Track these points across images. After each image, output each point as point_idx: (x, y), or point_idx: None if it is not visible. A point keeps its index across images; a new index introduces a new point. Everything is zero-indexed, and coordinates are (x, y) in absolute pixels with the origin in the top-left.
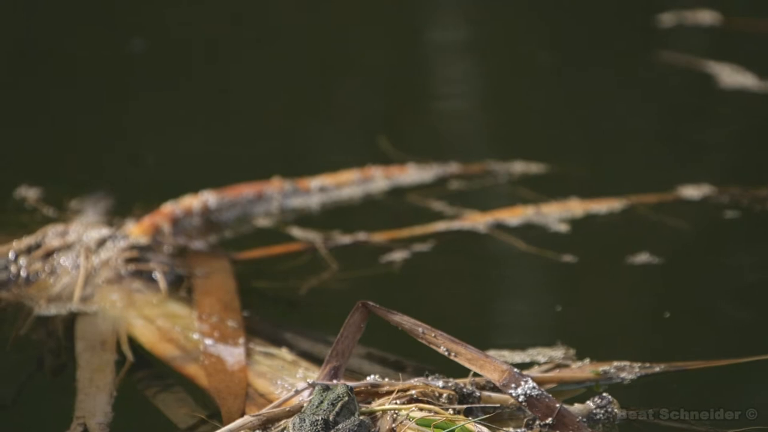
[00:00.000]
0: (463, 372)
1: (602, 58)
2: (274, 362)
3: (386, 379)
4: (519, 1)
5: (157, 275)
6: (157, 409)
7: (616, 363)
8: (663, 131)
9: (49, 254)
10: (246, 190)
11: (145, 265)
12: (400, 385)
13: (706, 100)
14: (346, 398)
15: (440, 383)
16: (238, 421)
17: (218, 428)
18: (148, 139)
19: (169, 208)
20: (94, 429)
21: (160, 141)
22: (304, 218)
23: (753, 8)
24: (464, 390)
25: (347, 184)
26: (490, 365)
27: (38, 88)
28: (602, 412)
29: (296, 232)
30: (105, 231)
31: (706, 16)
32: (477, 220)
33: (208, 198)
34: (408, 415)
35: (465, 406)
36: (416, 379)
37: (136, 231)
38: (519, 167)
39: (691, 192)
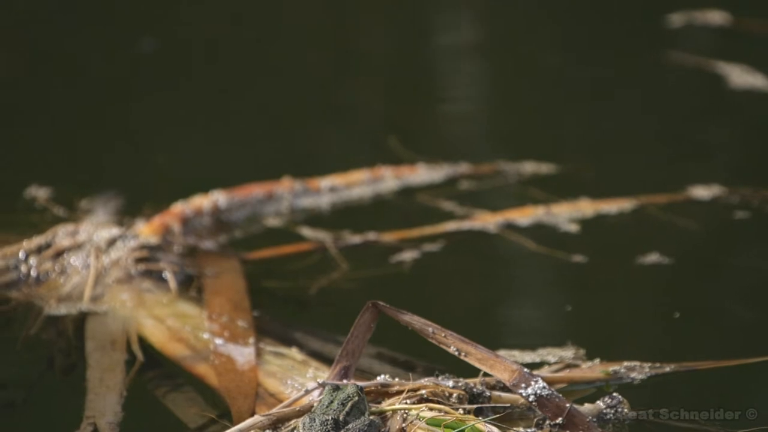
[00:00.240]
0: (473, 372)
1: (611, 58)
2: (284, 362)
3: (396, 379)
4: (528, 2)
5: (167, 275)
6: (167, 408)
7: (626, 363)
8: (673, 131)
9: (59, 254)
10: (256, 190)
11: (155, 265)
12: (410, 384)
13: (716, 100)
14: (356, 398)
15: (450, 383)
16: (248, 421)
17: (228, 428)
18: (158, 139)
19: (179, 207)
20: (104, 428)
21: (168, 141)
22: (314, 218)
23: (763, 8)
24: (474, 390)
25: (357, 184)
26: (501, 365)
27: (45, 89)
28: (612, 412)
29: (306, 231)
30: (115, 231)
31: (716, 17)
32: (487, 220)
33: (218, 198)
34: (418, 414)
35: (475, 406)
36: (426, 379)
37: (146, 231)
38: (529, 167)
39: (701, 192)
